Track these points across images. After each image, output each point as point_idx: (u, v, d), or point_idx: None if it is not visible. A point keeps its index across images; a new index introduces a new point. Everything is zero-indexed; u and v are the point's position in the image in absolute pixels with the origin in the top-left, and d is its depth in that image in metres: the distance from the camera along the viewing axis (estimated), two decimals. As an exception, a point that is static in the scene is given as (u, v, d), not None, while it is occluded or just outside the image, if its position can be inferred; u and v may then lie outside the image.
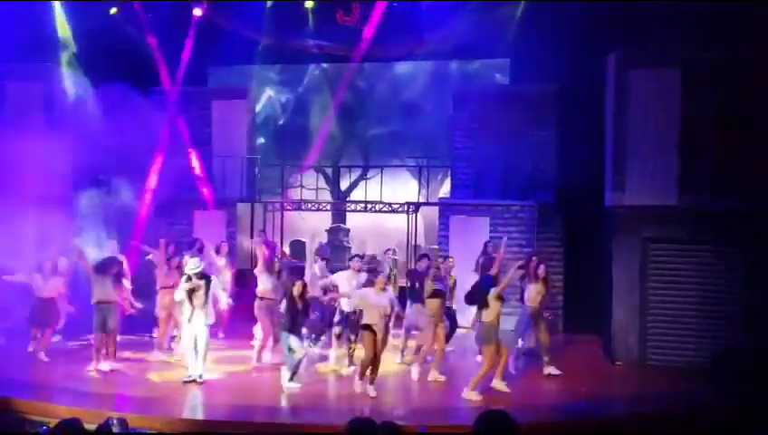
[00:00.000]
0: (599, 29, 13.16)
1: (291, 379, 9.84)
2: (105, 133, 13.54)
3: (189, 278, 9.93)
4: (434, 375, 10.34)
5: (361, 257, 11.49)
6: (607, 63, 12.30)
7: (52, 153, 13.39)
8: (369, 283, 10.02)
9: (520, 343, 11.21)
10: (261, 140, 20.91)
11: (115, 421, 5.90)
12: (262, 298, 11.12)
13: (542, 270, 10.93)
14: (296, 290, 9.92)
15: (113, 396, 9.48)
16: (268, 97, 22.70)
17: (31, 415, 8.68)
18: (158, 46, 15.43)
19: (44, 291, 11.23)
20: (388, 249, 13.38)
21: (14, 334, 11.94)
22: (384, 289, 9.72)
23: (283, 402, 9.50)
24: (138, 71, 15.11)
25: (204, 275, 10.06)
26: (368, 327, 9.57)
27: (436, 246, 15.12)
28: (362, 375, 9.65)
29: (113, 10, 15.28)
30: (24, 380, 10.08)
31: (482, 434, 3.70)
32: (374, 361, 9.60)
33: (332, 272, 11.71)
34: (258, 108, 20.58)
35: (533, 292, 10.84)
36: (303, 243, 20.12)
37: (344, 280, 10.83)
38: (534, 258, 11.43)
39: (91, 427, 5.25)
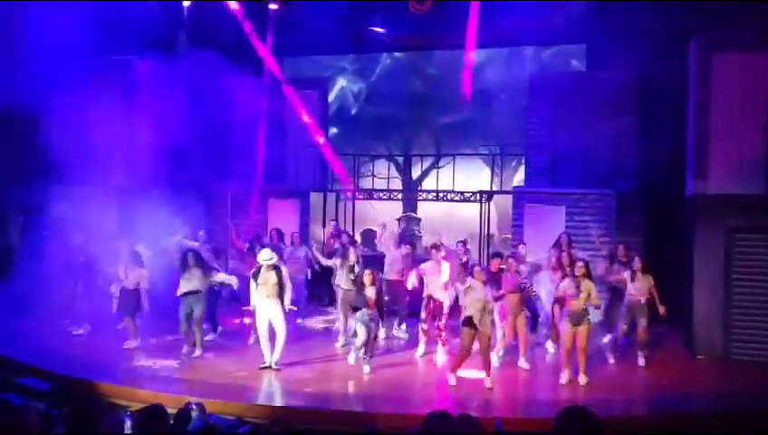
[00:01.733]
0: (679, 13, 12.72)
1: (361, 359, 10.02)
2: (185, 123, 13.79)
3: (260, 268, 10.11)
4: (521, 362, 10.41)
5: (438, 248, 11.49)
6: (689, 48, 11.87)
7: (134, 143, 13.77)
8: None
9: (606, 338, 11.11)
10: (333, 130, 21.05)
11: (194, 406, 6.01)
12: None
13: (636, 262, 10.73)
14: (367, 279, 10.03)
15: (192, 382, 9.67)
16: (341, 87, 22.85)
17: (113, 398, 8.97)
18: (238, 37, 15.54)
19: (128, 282, 11.39)
20: (460, 241, 13.26)
21: (99, 321, 12.35)
22: (484, 281, 9.60)
23: (360, 390, 9.53)
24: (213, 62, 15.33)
25: (275, 266, 10.18)
26: (468, 321, 9.44)
27: (509, 235, 14.94)
28: (454, 369, 9.60)
29: (186, 2, 15.51)
30: (106, 364, 10.40)
31: (564, 431, 3.60)
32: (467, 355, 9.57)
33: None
34: (331, 98, 20.71)
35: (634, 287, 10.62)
36: (375, 232, 20.17)
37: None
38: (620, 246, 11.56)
39: (170, 412, 5.35)
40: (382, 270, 12.13)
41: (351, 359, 10.40)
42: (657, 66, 13.43)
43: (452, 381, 9.54)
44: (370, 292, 10.04)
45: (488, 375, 9.55)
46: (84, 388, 9.20)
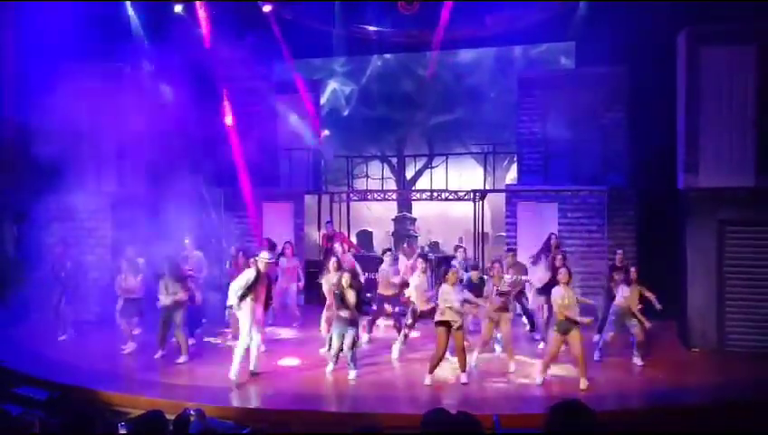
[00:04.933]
0: (666, 7, 12.76)
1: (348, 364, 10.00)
2: (177, 127, 13.82)
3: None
4: (509, 365, 10.27)
5: (425, 257, 11.55)
6: (677, 42, 11.94)
7: (126, 148, 13.79)
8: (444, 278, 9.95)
9: (596, 337, 11.22)
10: (326, 132, 21.05)
11: (192, 412, 6.04)
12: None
13: (633, 273, 10.70)
14: (344, 281, 9.99)
15: (190, 387, 9.68)
16: (332, 89, 22.88)
17: (110, 406, 8.98)
18: (226, 42, 15.53)
19: (126, 290, 11.45)
20: (459, 245, 13.35)
21: (98, 328, 12.38)
22: (456, 283, 9.67)
23: (357, 392, 9.54)
24: (205, 66, 15.34)
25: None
26: (443, 323, 9.58)
27: (503, 233, 14.98)
28: (431, 370, 9.70)
29: (178, 8, 15.49)
30: (103, 372, 10.40)
31: (557, 424, 3.62)
32: (443, 356, 9.70)
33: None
34: (323, 100, 20.73)
35: (627, 294, 10.53)
36: (370, 233, 20.23)
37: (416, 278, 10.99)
38: (619, 252, 11.63)
39: (169, 418, 5.37)
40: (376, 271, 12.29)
41: (329, 368, 10.22)
42: (645, 61, 13.48)
43: (427, 380, 9.64)
44: (350, 294, 9.93)
45: (464, 371, 9.66)
46: (82, 396, 9.21)
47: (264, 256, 10.12)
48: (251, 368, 10.02)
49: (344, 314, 9.86)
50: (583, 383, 9.40)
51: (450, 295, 9.51)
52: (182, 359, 10.84)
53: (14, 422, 5.31)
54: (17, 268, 13.76)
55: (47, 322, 12.45)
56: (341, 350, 9.99)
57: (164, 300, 10.76)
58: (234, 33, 15.44)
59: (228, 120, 15.59)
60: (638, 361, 10.55)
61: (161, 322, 10.92)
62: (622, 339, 10.81)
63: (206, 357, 11.13)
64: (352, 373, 9.94)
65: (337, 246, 13.03)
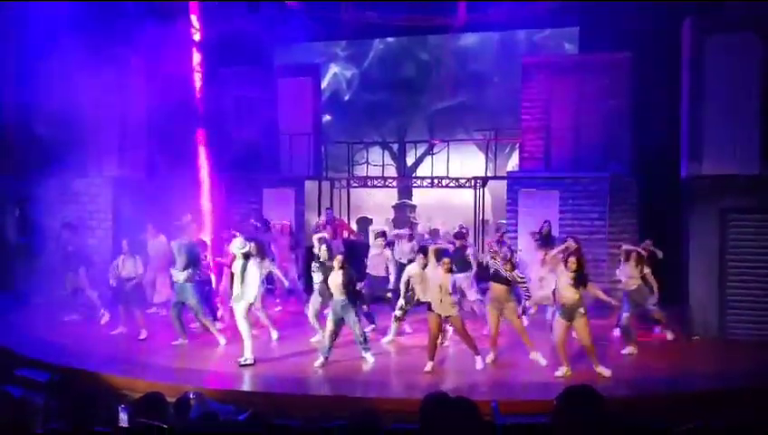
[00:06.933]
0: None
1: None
2: (179, 110, 13.74)
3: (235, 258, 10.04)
4: (535, 356, 9.89)
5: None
6: (682, 29, 11.87)
7: (127, 132, 13.74)
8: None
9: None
10: (327, 117, 20.96)
11: (192, 395, 6.01)
12: None
13: (623, 252, 10.74)
14: (336, 263, 9.87)
15: (190, 371, 9.67)
16: (333, 73, 22.78)
17: (111, 389, 8.98)
18: (227, 26, 15.41)
19: (123, 270, 11.41)
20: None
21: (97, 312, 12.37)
22: (451, 270, 9.56)
23: (355, 377, 9.52)
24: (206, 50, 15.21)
25: (246, 256, 10.05)
26: (429, 306, 9.59)
27: (504, 221, 14.94)
28: (430, 356, 9.61)
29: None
30: (104, 355, 10.40)
31: (566, 409, 3.58)
32: (436, 341, 9.65)
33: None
34: (324, 84, 20.64)
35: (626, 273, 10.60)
36: (370, 220, 20.19)
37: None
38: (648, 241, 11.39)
39: (169, 400, 5.35)
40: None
41: (318, 363, 9.82)
42: (649, 48, 13.41)
43: (428, 367, 9.52)
44: (338, 275, 9.75)
45: (477, 354, 9.62)
46: (83, 379, 9.21)
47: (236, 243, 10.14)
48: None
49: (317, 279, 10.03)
50: (604, 371, 9.25)
51: (432, 274, 9.47)
52: (181, 341, 10.94)
53: (18, 403, 5.28)
54: (20, 252, 13.75)
55: (49, 305, 12.44)
56: (335, 338, 9.84)
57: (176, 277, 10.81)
58: (235, 16, 15.33)
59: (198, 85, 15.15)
60: (670, 335, 10.80)
61: (173, 302, 10.98)
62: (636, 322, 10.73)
63: (204, 341, 11.10)
64: (368, 356, 9.87)
65: (325, 234, 12.66)
